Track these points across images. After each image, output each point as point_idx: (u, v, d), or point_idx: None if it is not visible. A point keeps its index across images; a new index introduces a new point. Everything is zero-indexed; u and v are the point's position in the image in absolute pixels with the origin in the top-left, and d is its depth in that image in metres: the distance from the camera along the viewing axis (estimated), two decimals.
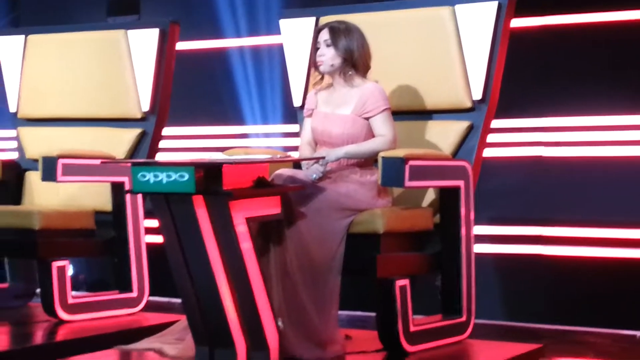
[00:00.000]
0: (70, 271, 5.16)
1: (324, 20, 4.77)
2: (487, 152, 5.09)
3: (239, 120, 6.81)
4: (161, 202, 3.84)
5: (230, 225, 3.77)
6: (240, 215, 3.80)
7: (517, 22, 5.56)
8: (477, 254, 4.63)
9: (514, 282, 5.98)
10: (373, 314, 4.31)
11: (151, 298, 5.50)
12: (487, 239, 5.92)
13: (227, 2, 6.83)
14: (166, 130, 5.77)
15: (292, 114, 5.65)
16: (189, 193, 3.72)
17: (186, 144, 6.91)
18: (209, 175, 3.73)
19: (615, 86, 5.70)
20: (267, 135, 6.71)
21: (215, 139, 6.80)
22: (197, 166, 3.71)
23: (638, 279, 5.62)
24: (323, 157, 4.29)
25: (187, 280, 3.90)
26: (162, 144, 5.82)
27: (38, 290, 5.21)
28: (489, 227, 5.95)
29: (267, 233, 4.07)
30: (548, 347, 4.85)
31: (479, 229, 5.31)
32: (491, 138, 5.04)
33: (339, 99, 4.43)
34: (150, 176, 3.77)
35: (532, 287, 5.91)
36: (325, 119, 4.44)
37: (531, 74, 5.87)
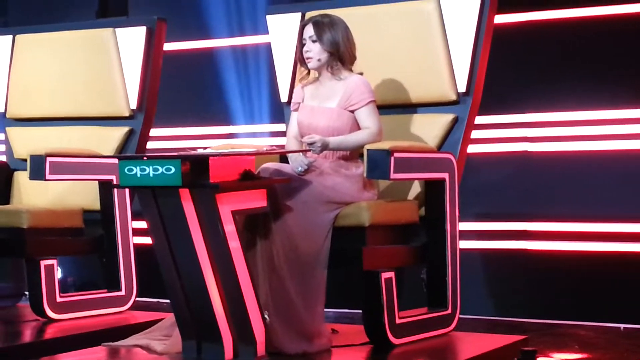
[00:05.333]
0: (59, 274, 5.14)
1: (310, 15, 4.79)
2: (473, 148, 5.10)
3: (226, 120, 6.82)
4: (148, 196, 3.84)
5: (217, 218, 3.76)
6: (227, 208, 3.79)
7: (502, 18, 5.60)
8: (464, 250, 4.64)
9: (499, 277, 5.99)
10: (360, 311, 4.30)
11: (139, 299, 5.49)
12: (473, 235, 5.92)
13: (213, 2, 6.85)
14: (154, 132, 5.76)
15: (279, 113, 5.67)
16: (175, 186, 3.71)
17: (174, 144, 6.91)
18: (195, 168, 3.73)
19: (600, 81, 5.72)
20: (254, 134, 6.72)
21: (203, 139, 6.80)
22: (183, 159, 3.70)
23: (622, 272, 5.64)
24: (309, 150, 4.30)
25: (175, 274, 3.90)
26: (150, 145, 5.80)
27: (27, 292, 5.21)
28: (475, 223, 5.96)
29: (253, 227, 4.07)
30: (533, 340, 4.86)
31: (465, 225, 5.33)
32: (477, 134, 5.05)
33: (325, 92, 4.44)
34: (137, 170, 3.76)
35: (518, 282, 5.92)
36: (311, 113, 4.45)
37: (516, 70, 5.90)
